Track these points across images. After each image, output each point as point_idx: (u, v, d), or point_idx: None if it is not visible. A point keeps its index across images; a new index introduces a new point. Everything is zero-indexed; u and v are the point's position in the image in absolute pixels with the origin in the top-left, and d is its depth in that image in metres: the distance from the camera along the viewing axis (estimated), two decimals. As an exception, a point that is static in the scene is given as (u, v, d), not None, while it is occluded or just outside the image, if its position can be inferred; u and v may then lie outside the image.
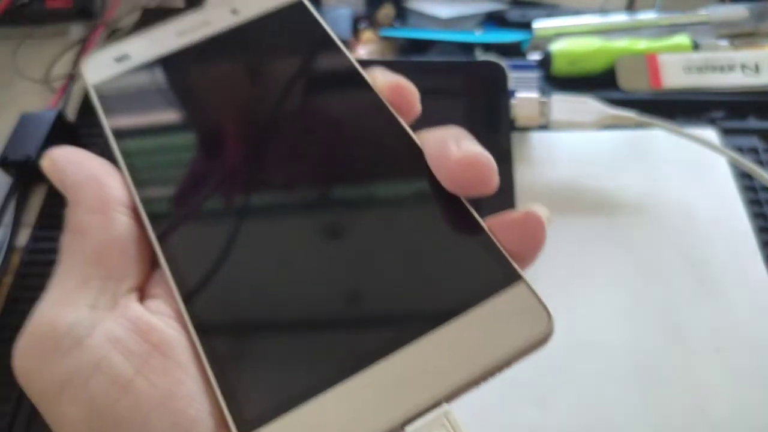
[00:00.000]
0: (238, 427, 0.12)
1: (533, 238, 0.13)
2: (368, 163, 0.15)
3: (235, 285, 0.13)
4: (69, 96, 0.45)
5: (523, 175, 0.38)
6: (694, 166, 0.39)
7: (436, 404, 0.12)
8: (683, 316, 0.33)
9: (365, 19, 0.47)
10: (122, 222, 0.14)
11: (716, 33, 0.45)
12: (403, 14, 0.47)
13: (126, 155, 0.16)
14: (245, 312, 0.13)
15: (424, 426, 0.11)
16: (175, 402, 0.12)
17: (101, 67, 0.17)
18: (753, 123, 0.42)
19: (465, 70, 0.38)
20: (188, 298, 0.13)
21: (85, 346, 0.12)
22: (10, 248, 0.37)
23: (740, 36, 0.44)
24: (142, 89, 0.17)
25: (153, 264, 0.14)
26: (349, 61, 0.17)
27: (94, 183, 0.14)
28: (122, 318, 0.13)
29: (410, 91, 0.16)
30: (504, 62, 0.37)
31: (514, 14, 0.47)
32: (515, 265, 0.13)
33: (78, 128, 0.43)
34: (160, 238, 0.14)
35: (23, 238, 0.38)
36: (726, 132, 0.41)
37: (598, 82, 0.42)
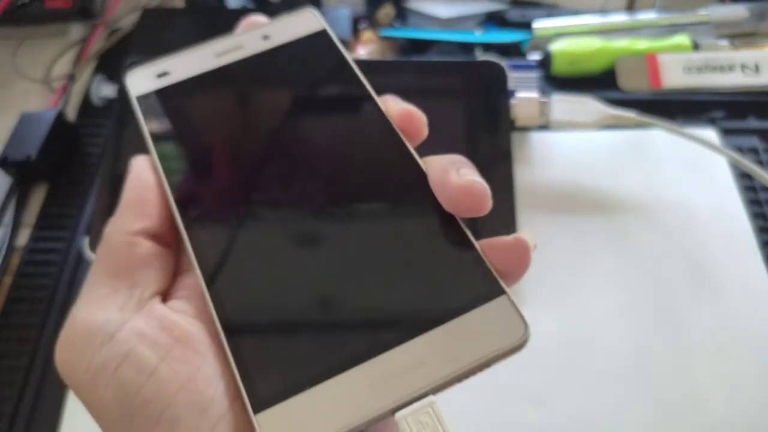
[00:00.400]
0: (252, 404, 0.13)
1: (520, 260, 0.15)
2: (377, 183, 0.17)
3: (256, 289, 0.16)
4: (69, 96, 0.45)
5: (523, 175, 0.38)
6: (694, 166, 0.39)
7: (423, 395, 0.13)
8: (683, 315, 0.33)
9: (365, 19, 0.47)
10: (146, 245, 0.16)
11: (716, 33, 0.45)
12: (403, 14, 0.47)
13: (165, 165, 0.17)
14: (262, 311, 0.15)
15: (412, 412, 0.13)
16: (194, 384, 0.14)
17: (144, 81, 0.19)
18: (753, 123, 0.42)
19: (465, 70, 0.38)
20: (216, 298, 0.15)
21: (116, 340, 0.14)
22: (10, 248, 0.37)
23: (740, 36, 0.44)
24: (181, 104, 0.19)
25: (174, 272, 0.17)
26: (364, 87, 0.19)
27: (135, 206, 0.16)
28: (148, 316, 0.15)
29: (419, 118, 0.17)
30: (504, 62, 0.37)
31: (514, 14, 0.47)
32: (500, 281, 0.15)
33: (78, 128, 0.43)
34: (193, 244, 0.16)
35: (23, 238, 0.38)
36: (726, 132, 0.41)
37: (598, 82, 0.42)
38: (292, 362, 0.14)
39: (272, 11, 0.52)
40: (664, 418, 0.30)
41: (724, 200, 0.38)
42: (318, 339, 0.15)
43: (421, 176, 0.16)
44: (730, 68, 0.41)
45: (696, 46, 0.43)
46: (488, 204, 0.15)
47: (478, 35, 0.46)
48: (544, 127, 0.38)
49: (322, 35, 0.20)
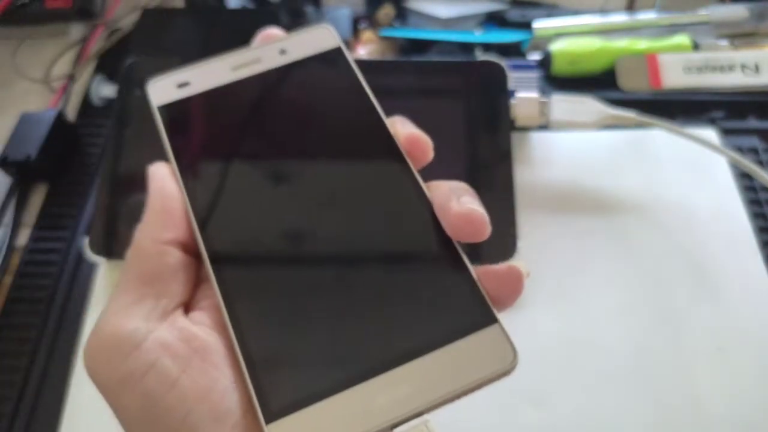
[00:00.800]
0: (264, 415, 0.15)
1: (513, 288, 0.16)
2: (381, 205, 0.18)
3: (271, 305, 0.16)
4: (69, 96, 0.45)
5: (523, 176, 0.38)
6: (694, 166, 0.39)
7: (419, 414, 0.15)
8: (683, 315, 0.33)
9: (365, 19, 0.47)
10: (175, 255, 0.17)
11: (716, 33, 0.45)
12: (403, 14, 0.47)
13: (183, 174, 0.18)
14: (276, 328, 0.16)
15: (408, 429, 0.14)
16: (211, 395, 0.15)
17: (165, 91, 0.19)
18: (753, 123, 0.42)
19: (465, 70, 0.38)
20: (232, 313, 0.16)
21: (142, 350, 0.15)
22: (10, 248, 0.38)
23: (740, 36, 0.44)
24: (200, 115, 0.19)
25: (197, 282, 0.17)
26: (375, 108, 0.19)
27: (163, 215, 0.17)
28: (171, 327, 0.16)
29: (425, 142, 0.18)
30: (504, 62, 0.37)
31: (514, 14, 0.47)
32: (494, 310, 0.16)
33: (78, 128, 0.43)
34: (210, 256, 0.17)
35: (23, 238, 0.38)
36: (726, 132, 0.41)
37: (598, 82, 0.42)
38: (302, 378, 0.15)
39: (272, 11, 0.52)
40: (664, 418, 0.30)
41: (724, 200, 0.38)
42: (325, 358, 0.16)
43: (424, 201, 0.17)
44: (730, 68, 0.41)
45: (696, 46, 0.43)
46: (486, 231, 0.16)
47: (478, 35, 0.46)
48: (544, 127, 0.38)
49: (337, 53, 0.20)
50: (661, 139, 0.39)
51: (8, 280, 0.36)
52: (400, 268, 0.17)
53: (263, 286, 0.17)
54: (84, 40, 0.48)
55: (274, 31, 0.21)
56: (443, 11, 0.46)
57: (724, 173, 0.39)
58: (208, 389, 0.15)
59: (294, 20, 0.45)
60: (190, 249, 0.17)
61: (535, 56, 0.44)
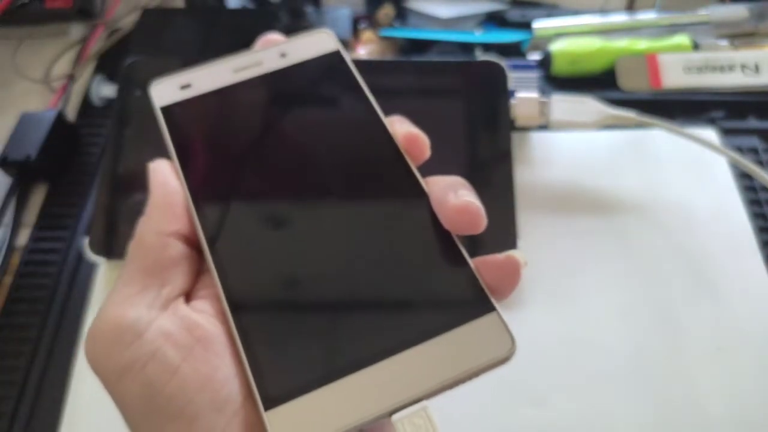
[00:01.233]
0: (263, 402, 0.15)
1: (510, 278, 0.16)
2: (381, 201, 0.18)
3: (270, 294, 0.17)
4: (69, 96, 0.45)
5: (522, 175, 0.38)
6: (694, 166, 0.39)
7: (417, 400, 0.15)
8: (683, 315, 0.33)
9: (365, 19, 0.47)
10: (177, 247, 0.17)
11: (716, 33, 0.45)
12: (403, 14, 0.47)
13: (185, 172, 0.18)
14: (275, 316, 0.16)
15: (407, 415, 0.14)
16: (212, 384, 0.15)
17: (167, 93, 0.20)
18: (753, 123, 0.42)
19: (465, 70, 0.38)
20: (232, 302, 0.16)
21: (144, 339, 0.15)
22: (10, 248, 0.38)
23: (740, 36, 0.44)
24: (202, 115, 0.20)
25: (198, 273, 0.18)
26: (373, 109, 0.20)
27: (165, 209, 0.17)
28: (173, 316, 0.16)
29: (423, 141, 0.19)
30: (504, 62, 0.37)
31: (514, 14, 0.47)
32: (491, 298, 0.16)
33: (78, 128, 0.43)
34: (211, 249, 0.17)
35: (23, 238, 0.38)
36: (726, 132, 0.41)
37: (598, 82, 0.42)
38: (301, 365, 0.15)
39: (272, 11, 0.52)
40: (664, 417, 0.30)
41: (724, 200, 0.38)
42: (325, 345, 0.16)
43: (423, 196, 0.18)
44: (730, 68, 0.41)
45: (696, 46, 0.43)
46: (483, 223, 0.17)
47: (478, 35, 0.46)
48: (544, 127, 0.38)
49: (336, 56, 0.21)
50: (661, 139, 0.39)
51: (8, 279, 0.36)
52: (398, 259, 0.17)
53: (262, 276, 0.17)
54: (84, 40, 0.48)
55: (274, 36, 0.21)
56: (443, 11, 0.46)
57: (724, 173, 0.39)
58: (209, 378, 0.15)
59: (294, 20, 0.45)
60: (191, 242, 0.17)
61: (535, 56, 0.44)
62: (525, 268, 0.16)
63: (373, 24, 0.47)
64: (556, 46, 0.43)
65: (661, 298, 0.34)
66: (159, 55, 0.42)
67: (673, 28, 0.45)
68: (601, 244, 0.36)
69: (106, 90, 0.44)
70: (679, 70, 0.41)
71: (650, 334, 0.33)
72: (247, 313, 0.16)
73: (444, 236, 0.17)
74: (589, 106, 0.37)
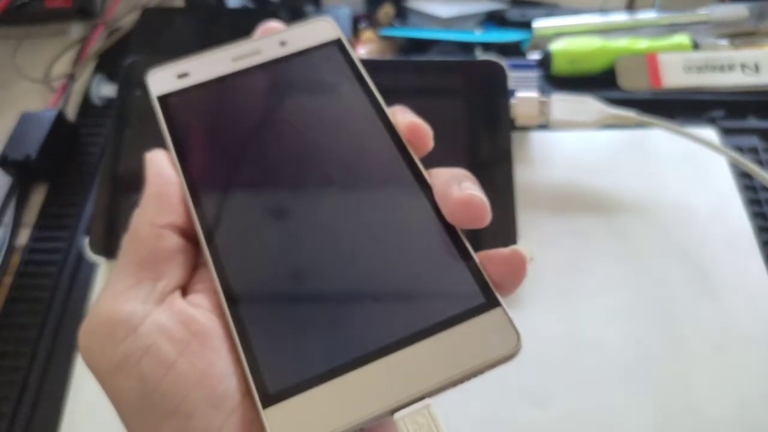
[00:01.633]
0: (261, 400, 0.14)
1: (516, 272, 0.16)
2: (383, 193, 0.18)
3: (268, 289, 0.16)
4: (69, 96, 0.45)
5: (522, 175, 0.38)
6: (694, 165, 0.39)
7: (420, 398, 0.14)
8: (683, 315, 0.33)
9: (365, 18, 0.47)
10: (173, 239, 0.17)
11: (716, 32, 0.45)
12: (403, 14, 0.47)
13: (182, 162, 0.18)
14: (274, 311, 0.16)
15: (409, 414, 0.14)
16: (208, 380, 0.14)
17: (164, 82, 0.19)
18: (753, 122, 0.42)
19: (465, 69, 0.38)
20: (229, 296, 0.16)
21: (139, 333, 0.15)
22: (10, 248, 0.38)
23: (740, 35, 0.44)
24: (199, 104, 0.19)
25: (195, 266, 0.17)
26: (375, 98, 0.19)
27: (160, 200, 0.17)
28: (169, 311, 0.15)
29: (426, 131, 0.18)
30: (504, 62, 0.37)
31: (514, 14, 0.47)
32: (497, 294, 0.16)
33: (78, 128, 0.43)
34: (208, 241, 0.17)
35: (23, 237, 0.38)
36: (726, 131, 0.41)
37: (598, 81, 0.42)
38: (301, 362, 0.15)
39: (272, 11, 0.52)
40: (663, 416, 0.30)
41: (723, 199, 0.38)
42: (325, 341, 0.15)
43: (426, 188, 0.17)
44: (730, 68, 0.41)
45: (696, 46, 0.43)
46: (487, 216, 0.16)
47: (478, 35, 0.46)
48: (544, 126, 0.38)
49: (337, 44, 0.20)
50: (661, 139, 0.39)
51: (8, 279, 0.36)
52: (401, 253, 0.17)
53: (261, 270, 0.16)
54: (84, 40, 0.48)
55: (274, 24, 0.20)
56: (443, 11, 0.46)
57: (724, 173, 0.39)
58: (205, 373, 0.14)
59: (294, 20, 0.45)
60: (187, 234, 0.17)
61: (535, 56, 0.44)
62: (531, 263, 0.16)
63: (373, 23, 0.47)
64: (556, 46, 0.43)
65: (660, 297, 0.34)
66: (159, 55, 0.42)
67: (673, 28, 0.45)
68: (601, 243, 0.36)
69: (106, 89, 0.44)
70: (679, 70, 0.41)
71: (650, 333, 0.33)
72: (245, 307, 0.16)
73: (448, 230, 0.17)
74: (589, 105, 0.37)
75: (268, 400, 0.14)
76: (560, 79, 0.43)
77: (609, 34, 0.44)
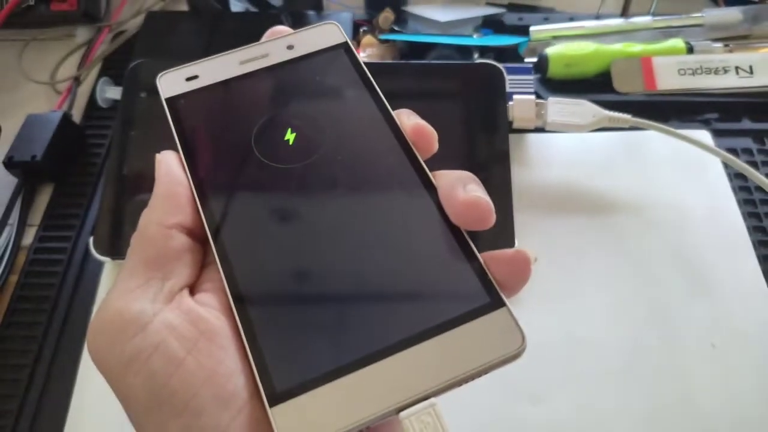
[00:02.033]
0: (268, 398, 0.14)
1: (520, 273, 0.16)
2: (389, 194, 0.18)
3: (276, 288, 0.17)
4: (74, 98, 0.45)
5: (520, 176, 0.38)
6: (689, 167, 0.39)
7: (426, 397, 0.14)
8: (678, 313, 0.34)
9: (366, 23, 0.48)
10: (180, 239, 0.17)
11: (710, 36, 0.45)
12: (402, 18, 0.48)
13: (190, 163, 0.18)
14: (281, 311, 0.16)
15: (415, 412, 0.14)
16: (217, 378, 0.14)
17: (174, 84, 0.20)
18: (747, 124, 0.42)
19: (463, 72, 0.39)
20: (237, 296, 0.16)
21: (148, 331, 0.15)
22: (16, 247, 0.38)
23: (734, 39, 0.45)
24: (208, 106, 0.20)
25: (202, 266, 0.17)
26: (381, 101, 0.19)
27: (169, 200, 0.17)
28: (177, 309, 0.15)
29: (431, 133, 0.18)
30: (501, 65, 0.38)
31: (511, 18, 0.48)
32: (501, 294, 0.16)
33: (83, 129, 0.43)
34: (216, 241, 0.17)
35: (29, 237, 0.39)
36: (720, 133, 0.41)
37: (594, 84, 0.42)
38: (308, 361, 0.15)
39: (274, 16, 0.52)
40: (659, 414, 0.31)
41: (718, 200, 0.38)
42: (332, 339, 0.15)
43: (431, 190, 0.17)
44: (725, 70, 0.42)
45: (690, 49, 0.44)
46: (492, 218, 0.16)
47: (476, 39, 0.46)
48: (540, 128, 0.39)
49: (344, 47, 0.21)
50: (656, 141, 0.40)
51: (14, 279, 0.37)
52: (406, 254, 0.17)
53: (268, 270, 0.17)
54: (89, 43, 0.49)
55: (282, 28, 0.21)
56: (442, 15, 0.47)
57: (719, 174, 0.39)
58: (213, 371, 0.14)
59: (296, 25, 0.45)
60: (195, 234, 0.17)
61: (531, 59, 0.45)
62: (535, 263, 0.16)
63: (374, 28, 0.47)
64: (552, 50, 0.43)
65: (656, 296, 0.34)
66: (163, 58, 0.43)
67: (668, 32, 0.45)
68: (597, 243, 0.36)
69: (111, 92, 0.45)
70: (673, 73, 0.42)
71: (645, 332, 0.33)
72: (253, 307, 0.16)
73: (453, 231, 0.17)
74: (584, 108, 0.38)
75: (276, 399, 0.14)
76: (556, 83, 0.43)
77: (604, 38, 0.45)
